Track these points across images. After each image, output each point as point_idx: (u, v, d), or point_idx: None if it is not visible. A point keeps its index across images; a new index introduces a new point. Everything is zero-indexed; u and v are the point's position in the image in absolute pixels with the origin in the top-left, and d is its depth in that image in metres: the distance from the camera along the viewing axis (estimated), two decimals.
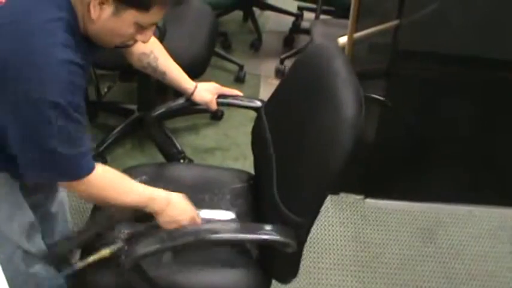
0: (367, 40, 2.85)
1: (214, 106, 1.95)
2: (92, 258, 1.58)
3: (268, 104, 1.90)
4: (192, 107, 1.96)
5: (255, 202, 1.86)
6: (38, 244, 1.79)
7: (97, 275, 1.61)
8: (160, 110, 1.95)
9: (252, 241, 1.55)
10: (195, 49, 2.77)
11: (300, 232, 1.51)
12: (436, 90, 2.51)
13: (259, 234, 1.50)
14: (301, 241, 1.52)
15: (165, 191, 1.57)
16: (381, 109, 2.65)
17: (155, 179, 1.78)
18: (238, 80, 3.59)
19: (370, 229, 2.62)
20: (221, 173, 2.04)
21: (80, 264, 1.60)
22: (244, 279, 1.66)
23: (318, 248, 1.63)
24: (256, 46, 3.98)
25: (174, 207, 1.56)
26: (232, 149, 3.04)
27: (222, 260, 1.67)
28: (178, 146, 2.92)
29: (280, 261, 1.63)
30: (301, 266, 2.34)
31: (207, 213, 1.66)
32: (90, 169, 1.41)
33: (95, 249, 1.59)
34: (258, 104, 1.95)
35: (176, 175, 1.97)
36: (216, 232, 1.49)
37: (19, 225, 1.68)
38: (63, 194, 2.02)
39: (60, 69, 1.28)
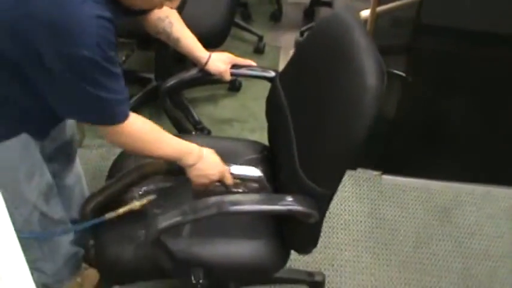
0: (389, 14, 2.81)
1: (228, 76, 1.93)
2: (121, 210, 1.59)
3: (284, 73, 1.87)
4: (205, 78, 1.94)
5: (271, 173, 1.84)
6: (55, 208, 1.80)
7: (117, 249, 1.61)
8: (172, 81, 1.93)
9: (275, 212, 1.53)
10: (214, 19, 2.74)
11: (322, 202, 1.51)
12: (458, 66, 2.47)
13: (282, 205, 1.49)
14: (322, 211, 1.52)
15: (197, 145, 1.61)
16: (401, 85, 2.62)
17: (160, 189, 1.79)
18: (258, 51, 3.56)
19: (387, 206, 2.60)
20: (235, 144, 2.04)
21: (110, 216, 1.60)
22: (264, 250, 1.66)
23: (334, 223, 1.62)
24: (276, 17, 3.93)
25: (205, 161, 1.60)
26: (249, 120, 3.02)
27: (241, 231, 1.67)
28: (195, 116, 2.91)
29: (301, 232, 1.63)
30: None
31: (236, 169, 1.68)
32: (126, 116, 1.45)
33: (124, 202, 1.61)
34: (272, 74, 1.92)
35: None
36: (239, 204, 1.48)
37: (37, 186, 1.69)
38: (79, 168, 2.02)
39: (91, 24, 1.29)
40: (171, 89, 1.96)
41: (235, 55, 1.97)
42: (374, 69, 1.39)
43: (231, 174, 1.66)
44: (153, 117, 2.91)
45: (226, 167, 1.65)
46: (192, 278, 1.58)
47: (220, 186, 1.67)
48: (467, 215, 2.59)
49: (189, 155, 1.58)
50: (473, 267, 2.36)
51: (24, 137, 1.58)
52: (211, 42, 2.77)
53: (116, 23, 1.37)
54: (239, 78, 3.18)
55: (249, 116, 3.05)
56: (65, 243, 1.92)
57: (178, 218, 1.44)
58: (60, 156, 1.87)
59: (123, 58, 3.24)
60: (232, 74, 1.93)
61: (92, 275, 2.03)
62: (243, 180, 1.71)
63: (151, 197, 1.61)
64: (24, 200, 1.67)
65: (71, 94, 1.39)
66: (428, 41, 2.46)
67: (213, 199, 1.45)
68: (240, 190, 1.71)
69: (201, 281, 1.58)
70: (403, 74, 2.58)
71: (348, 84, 1.43)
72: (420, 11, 2.50)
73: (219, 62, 1.90)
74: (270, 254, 1.66)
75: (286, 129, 1.68)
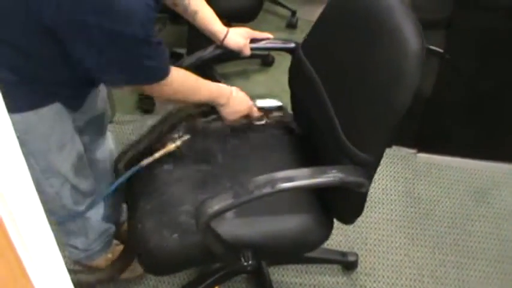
0: None
1: (248, 51, 1.88)
2: (158, 154, 1.69)
3: (307, 42, 1.82)
4: (225, 55, 1.90)
5: (300, 143, 1.87)
6: (85, 181, 1.80)
7: (161, 240, 1.58)
8: (190, 60, 1.88)
9: (327, 184, 1.49)
10: None
11: (369, 170, 1.49)
12: (497, 44, 2.39)
13: (335, 176, 1.45)
14: (370, 179, 1.50)
15: (225, 86, 1.76)
16: (439, 61, 2.55)
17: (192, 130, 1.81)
18: (290, 26, 3.50)
19: (422, 185, 2.55)
20: None
21: (146, 161, 1.68)
22: (310, 223, 1.66)
23: (368, 202, 1.59)
24: None
25: (235, 98, 1.76)
26: (282, 95, 2.96)
27: (284, 206, 1.65)
28: None
29: (347, 201, 1.62)
30: None
31: (260, 103, 1.88)
32: (168, 74, 1.53)
33: (162, 146, 1.71)
34: (292, 45, 1.88)
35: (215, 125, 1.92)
36: (292, 179, 1.43)
37: (68, 157, 1.69)
38: (111, 144, 2.01)
39: (138, 4, 1.33)
40: (189, 68, 1.87)
41: (268, 30, 1.93)
42: (415, 33, 1.37)
43: (257, 107, 1.85)
44: None
45: (251, 102, 1.82)
46: (243, 260, 1.57)
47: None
48: (504, 195, 2.53)
49: (221, 96, 1.72)
50: (510, 250, 2.31)
51: (57, 107, 1.57)
52: (244, 17, 2.75)
53: None
54: (272, 53, 3.14)
55: (281, 91, 2.97)
56: (97, 218, 1.92)
57: (230, 201, 1.40)
58: (91, 129, 1.86)
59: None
60: (252, 49, 1.89)
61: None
62: (266, 111, 1.89)
63: (186, 137, 1.73)
64: (55, 170, 1.67)
65: (118, 64, 1.45)
66: (468, 17, 2.39)
67: (263, 178, 1.41)
68: (263, 122, 1.89)
69: (250, 262, 1.57)
70: (441, 51, 2.51)
71: (389, 49, 1.42)
72: None
73: (238, 36, 1.86)
74: (316, 226, 1.66)
75: (319, 97, 1.65)
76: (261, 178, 1.41)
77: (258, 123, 1.89)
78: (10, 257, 0.71)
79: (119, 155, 1.79)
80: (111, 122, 2.78)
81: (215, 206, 1.38)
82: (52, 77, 1.52)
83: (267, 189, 1.39)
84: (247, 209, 1.50)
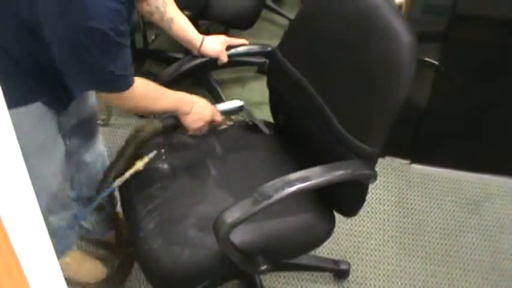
0: (424, 1, 2.75)
1: (225, 57, 1.89)
2: (128, 173, 1.69)
3: (286, 44, 1.85)
4: (206, 65, 1.91)
5: (288, 146, 1.90)
6: (63, 192, 1.81)
7: (172, 257, 1.56)
8: (168, 72, 1.88)
9: (341, 179, 1.50)
10: (245, 1, 2.72)
11: (372, 161, 1.53)
12: (491, 56, 2.41)
13: (347, 170, 1.49)
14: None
15: (187, 93, 1.72)
16: (433, 73, 2.57)
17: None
18: None
19: (414, 195, 2.56)
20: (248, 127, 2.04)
21: (117, 183, 1.69)
22: (313, 220, 1.69)
23: (360, 211, 1.61)
24: None
25: (197, 105, 1.72)
26: (269, 101, 2.98)
27: (287, 206, 1.64)
28: (223, 98, 2.90)
29: (351, 194, 1.65)
30: (341, 228, 2.33)
31: (222, 106, 1.85)
32: (131, 84, 1.51)
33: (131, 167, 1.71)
34: (269, 49, 1.92)
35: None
36: (308, 179, 1.45)
37: (49, 162, 1.69)
38: (101, 147, 2.01)
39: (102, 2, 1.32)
40: (171, 80, 1.89)
41: (265, 38, 1.94)
42: (405, 27, 1.44)
43: (219, 111, 1.82)
44: None
45: (213, 107, 1.80)
46: (260, 265, 1.57)
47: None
48: (496, 208, 2.54)
49: (185, 104, 1.69)
50: (502, 262, 2.32)
51: (38, 107, 1.57)
52: (241, 24, 2.77)
53: None
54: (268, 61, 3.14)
55: None
56: (60, 224, 1.91)
57: (250, 208, 1.39)
58: (80, 133, 1.86)
59: (152, 37, 3.23)
60: (229, 55, 1.90)
61: None
62: (229, 113, 1.89)
63: (152, 154, 1.75)
64: (34, 173, 1.66)
65: (81, 65, 1.42)
66: (462, 30, 2.41)
67: (279, 181, 1.42)
68: (226, 126, 1.92)
69: (266, 266, 1.58)
70: (436, 63, 2.53)
71: (382, 44, 1.47)
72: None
73: (215, 43, 1.87)
74: (319, 222, 1.70)
75: (309, 97, 1.68)
76: (277, 181, 1.42)
77: (221, 127, 1.90)
78: (7, 253, 0.72)
79: (106, 170, 1.77)
80: (107, 125, 2.78)
81: (235, 214, 1.37)
82: (29, 74, 1.51)
83: (287, 191, 1.40)
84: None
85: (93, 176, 1.96)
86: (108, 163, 2.09)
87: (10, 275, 0.73)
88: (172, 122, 1.71)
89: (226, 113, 1.87)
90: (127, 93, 1.51)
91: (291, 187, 1.41)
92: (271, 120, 2.06)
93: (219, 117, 1.82)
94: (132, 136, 1.69)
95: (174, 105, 1.67)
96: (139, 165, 1.71)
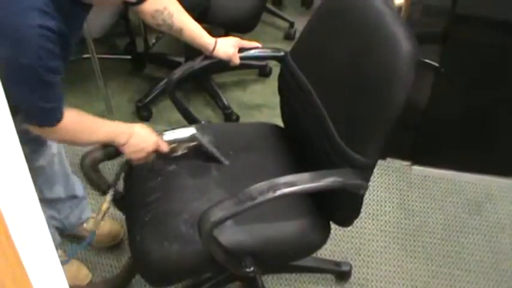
0: (424, 2, 2.75)
1: (237, 60, 1.89)
2: (98, 217, 1.68)
3: (296, 50, 1.84)
4: (215, 65, 1.90)
5: (292, 151, 1.88)
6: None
7: (162, 250, 1.58)
8: (180, 72, 1.88)
9: (329, 187, 1.49)
10: (245, 4, 2.72)
11: (367, 172, 1.51)
12: (491, 58, 2.41)
13: (336, 179, 1.47)
14: (367, 181, 1.52)
15: (126, 124, 1.66)
16: (434, 75, 2.57)
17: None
18: (288, 38, 3.51)
19: (416, 197, 2.57)
20: (253, 129, 2.06)
21: (92, 230, 1.71)
22: (308, 228, 1.68)
23: (361, 213, 1.61)
24: (308, 3, 3.88)
25: (136, 136, 1.63)
26: (280, 106, 2.99)
27: (281, 211, 1.66)
28: (224, 100, 2.90)
29: (345, 204, 1.64)
30: (343, 230, 2.34)
31: (169, 135, 1.72)
32: (60, 119, 1.48)
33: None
34: (282, 53, 1.90)
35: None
36: (294, 184, 1.45)
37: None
38: (53, 148, 1.97)
39: (30, 33, 1.31)
40: (181, 81, 1.90)
41: (266, 41, 1.95)
42: (406, 35, 1.41)
43: (166, 141, 1.71)
44: (182, 100, 2.95)
45: (158, 137, 1.69)
46: (246, 267, 1.58)
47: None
48: (498, 208, 2.54)
49: (120, 135, 1.62)
50: (503, 262, 2.32)
51: None
52: (241, 28, 2.77)
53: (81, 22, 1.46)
54: (269, 64, 3.15)
55: (279, 102, 3.01)
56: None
57: (233, 208, 1.40)
58: (32, 139, 1.83)
59: (153, 41, 3.24)
60: (241, 58, 1.90)
61: None
62: (179, 143, 1.75)
63: (109, 195, 1.69)
64: None
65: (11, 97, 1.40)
66: (462, 31, 2.41)
67: (266, 184, 1.42)
68: (179, 153, 1.77)
69: (253, 269, 1.58)
70: (436, 64, 2.53)
71: (382, 52, 1.45)
72: (456, 0, 2.45)
73: (228, 46, 1.87)
74: (313, 230, 1.68)
75: (312, 104, 1.67)
76: (263, 184, 1.42)
77: (174, 155, 1.76)
78: (9, 253, 0.72)
79: (85, 153, 1.72)
80: None
81: (218, 213, 1.39)
82: None
83: (269, 195, 1.40)
84: (245, 215, 1.51)
85: (52, 175, 1.98)
86: (65, 160, 2.07)
87: (13, 275, 0.74)
88: (113, 149, 1.65)
89: (175, 142, 1.75)
90: (56, 128, 1.49)
91: (276, 191, 1.41)
92: (275, 122, 2.06)
93: (164, 148, 1.71)
94: (81, 165, 1.67)
95: (109, 136, 1.62)
96: (105, 206, 1.68)
